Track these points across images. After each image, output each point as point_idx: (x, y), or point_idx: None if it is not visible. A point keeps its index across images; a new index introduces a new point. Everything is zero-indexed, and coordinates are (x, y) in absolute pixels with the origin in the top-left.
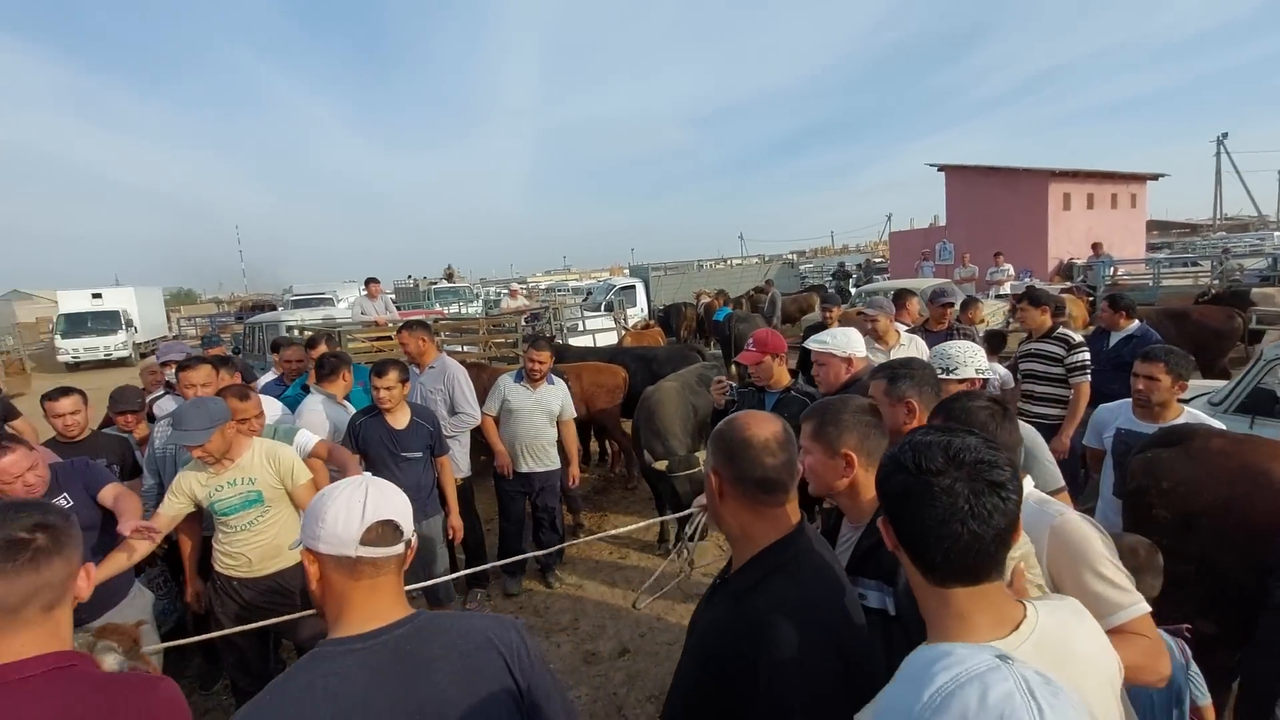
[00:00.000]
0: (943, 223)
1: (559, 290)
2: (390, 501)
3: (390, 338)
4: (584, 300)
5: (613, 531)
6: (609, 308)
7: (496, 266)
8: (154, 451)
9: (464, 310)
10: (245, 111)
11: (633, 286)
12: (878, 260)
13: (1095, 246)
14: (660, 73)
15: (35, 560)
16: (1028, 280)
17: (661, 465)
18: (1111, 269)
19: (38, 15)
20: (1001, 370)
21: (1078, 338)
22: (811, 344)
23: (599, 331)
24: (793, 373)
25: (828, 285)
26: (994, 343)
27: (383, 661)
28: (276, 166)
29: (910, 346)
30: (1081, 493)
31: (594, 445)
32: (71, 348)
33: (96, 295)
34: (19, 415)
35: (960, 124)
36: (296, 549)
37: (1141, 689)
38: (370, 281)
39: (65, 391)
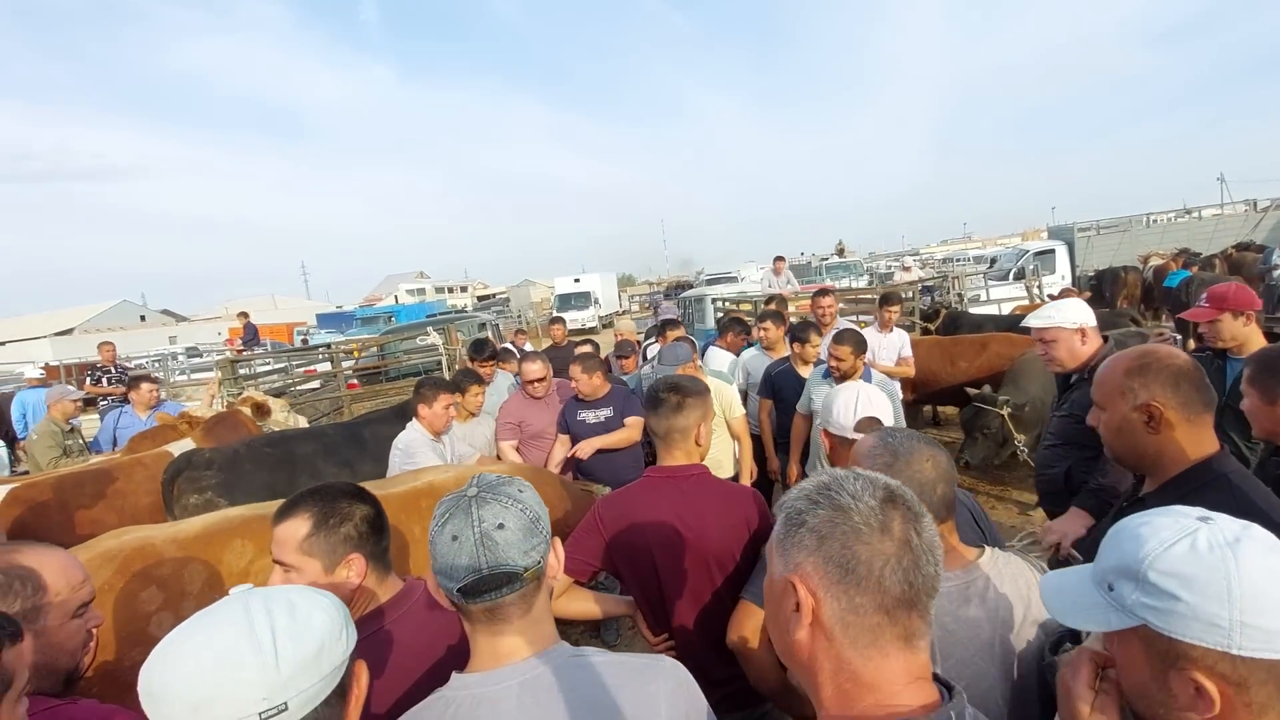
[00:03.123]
0: None
1: (957, 260)
2: (875, 404)
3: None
4: (988, 269)
5: None
6: (1018, 276)
7: (886, 239)
8: (639, 383)
9: (853, 284)
10: (666, 119)
11: (1051, 251)
12: None
13: None
14: None
15: (670, 409)
16: None
17: (1003, 405)
18: None
19: (536, 77)
20: None
21: None
22: (1032, 321)
23: (1005, 302)
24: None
25: None
26: None
27: None
28: (689, 161)
29: None
30: None
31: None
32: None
33: (576, 280)
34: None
35: None
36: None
37: None
38: (777, 259)
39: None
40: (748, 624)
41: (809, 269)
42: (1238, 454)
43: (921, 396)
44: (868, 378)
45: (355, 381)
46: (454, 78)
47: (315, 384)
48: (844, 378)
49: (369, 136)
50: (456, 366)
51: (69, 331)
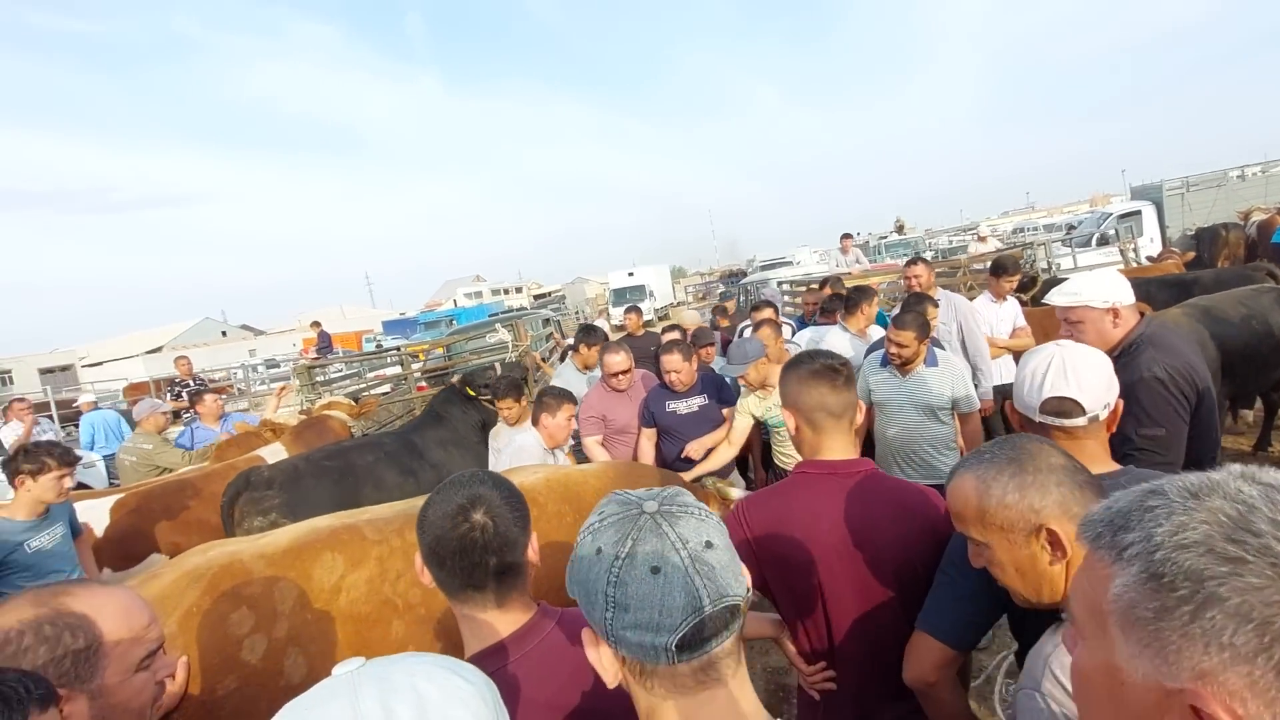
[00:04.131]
0: None
1: (1028, 229)
2: (1072, 379)
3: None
4: (1066, 236)
5: None
6: (1102, 241)
7: (943, 214)
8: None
9: None
10: (709, 107)
11: (1138, 212)
12: None
13: None
14: None
15: (846, 382)
16: None
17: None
18: None
19: (577, 77)
20: None
21: None
22: (1055, 297)
23: (1096, 268)
24: None
25: None
26: None
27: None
28: (734, 148)
29: None
30: None
31: None
32: (617, 314)
33: (630, 274)
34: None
35: None
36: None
37: None
38: (844, 237)
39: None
40: (928, 660)
41: (868, 248)
42: None
43: None
44: (932, 362)
45: (424, 384)
46: (498, 84)
47: (386, 388)
48: (904, 365)
49: (421, 147)
50: (525, 360)
51: (159, 350)
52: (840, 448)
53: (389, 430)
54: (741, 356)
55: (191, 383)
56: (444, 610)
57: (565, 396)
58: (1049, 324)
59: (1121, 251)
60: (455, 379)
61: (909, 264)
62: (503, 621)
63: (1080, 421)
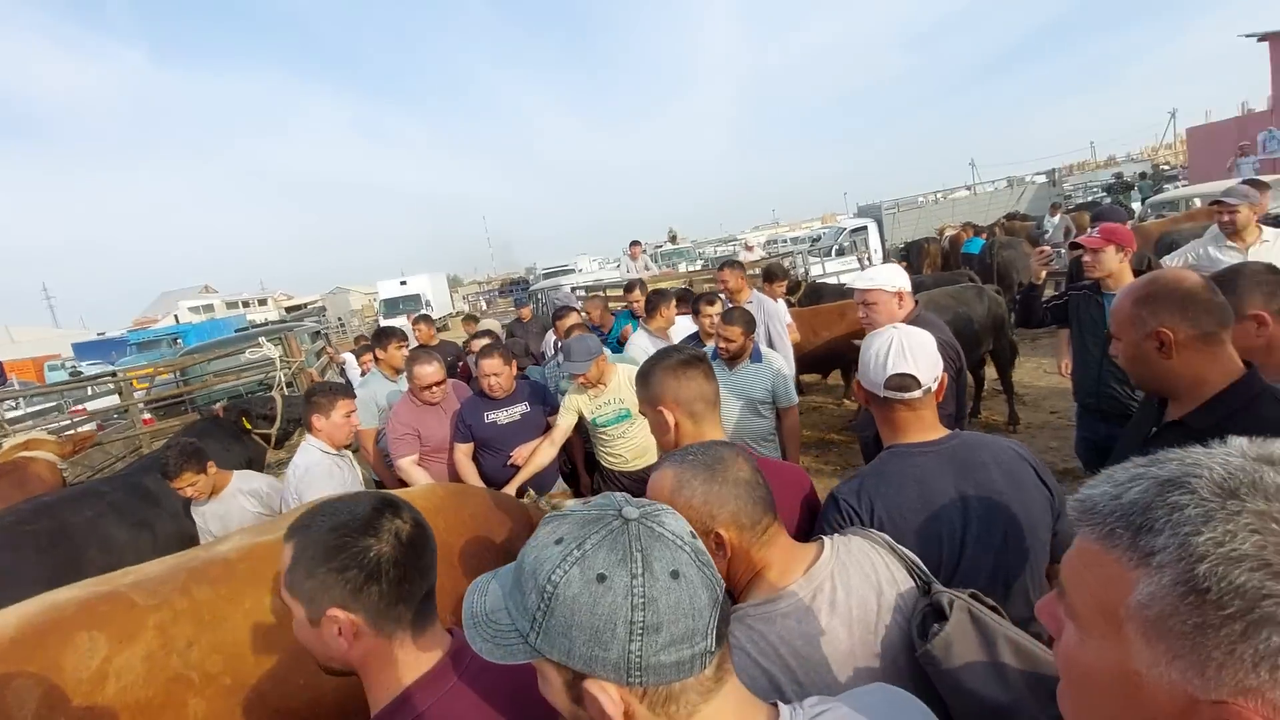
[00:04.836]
0: (1260, 107)
1: (779, 241)
2: (909, 356)
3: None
4: (812, 246)
5: None
6: (839, 251)
7: (706, 227)
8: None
9: (688, 267)
10: (481, 114)
11: (864, 227)
12: (1165, 167)
13: None
14: None
15: (710, 371)
16: None
17: None
18: None
19: (331, 72)
20: None
21: None
22: (859, 281)
23: (841, 274)
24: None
25: (1102, 202)
26: None
27: (945, 460)
28: (508, 157)
29: (1276, 244)
30: None
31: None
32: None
33: (403, 282)
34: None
35: None
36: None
37: None
38: (633, 244)
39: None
40: None
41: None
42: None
43: None
44: (757, 357)
45: (150, 417)
46: (223, 65)
47: (91, 425)
48: (733, 358)
49: (122, 136)
50: (298, 379)
51: None
52: (715, 432)
53: (111, 476)
54: (585, 353)
55: None
56: (260, 676)
57: (337, 391)
58: (816, 321)
59: (859, 260)
60: (220, 406)
61: (720, 268)
62: (429, 647)
63: (917, 394)
